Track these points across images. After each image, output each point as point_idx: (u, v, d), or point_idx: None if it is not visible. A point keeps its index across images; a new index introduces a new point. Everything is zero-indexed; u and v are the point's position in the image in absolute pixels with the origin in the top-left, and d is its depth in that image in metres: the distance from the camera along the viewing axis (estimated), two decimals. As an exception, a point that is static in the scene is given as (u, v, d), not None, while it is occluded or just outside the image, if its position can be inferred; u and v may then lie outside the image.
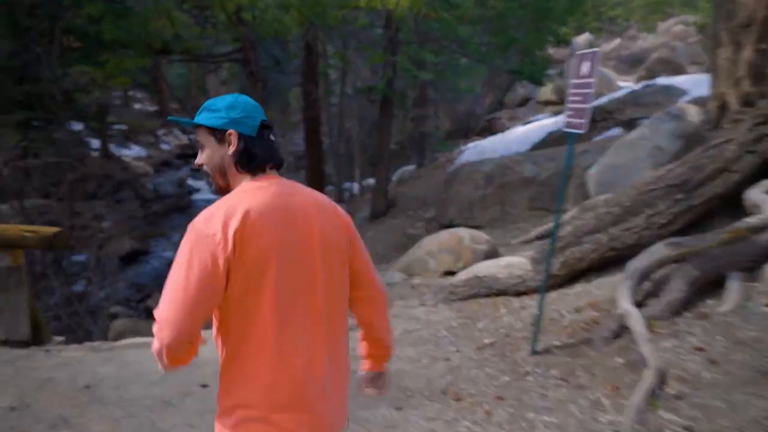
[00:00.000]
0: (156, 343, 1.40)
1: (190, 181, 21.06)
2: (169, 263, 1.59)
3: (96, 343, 5.54)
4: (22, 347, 4.93)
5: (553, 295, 4.71)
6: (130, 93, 27.18)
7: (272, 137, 1.60)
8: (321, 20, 8.98)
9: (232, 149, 1.54)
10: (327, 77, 14.33)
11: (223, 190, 1.59)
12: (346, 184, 15.44)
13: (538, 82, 10.69)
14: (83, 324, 7.55)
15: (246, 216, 1.42)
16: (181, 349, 1.40)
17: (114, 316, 9.19)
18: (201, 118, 1.57)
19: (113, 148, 20.31)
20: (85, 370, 4.40)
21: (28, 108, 11.23)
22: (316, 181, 14.26)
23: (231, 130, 1.54)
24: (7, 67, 11.10)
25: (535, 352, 3.93)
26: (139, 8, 9.43)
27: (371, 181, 14.60)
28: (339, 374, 1.61)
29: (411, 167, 15.44)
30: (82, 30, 9.09)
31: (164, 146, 25.37)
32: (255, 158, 1.54)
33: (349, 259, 1.63)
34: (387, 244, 9.43)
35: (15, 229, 4.74)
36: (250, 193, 1.49)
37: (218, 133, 1.55)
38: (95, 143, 19.13)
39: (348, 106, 14.76)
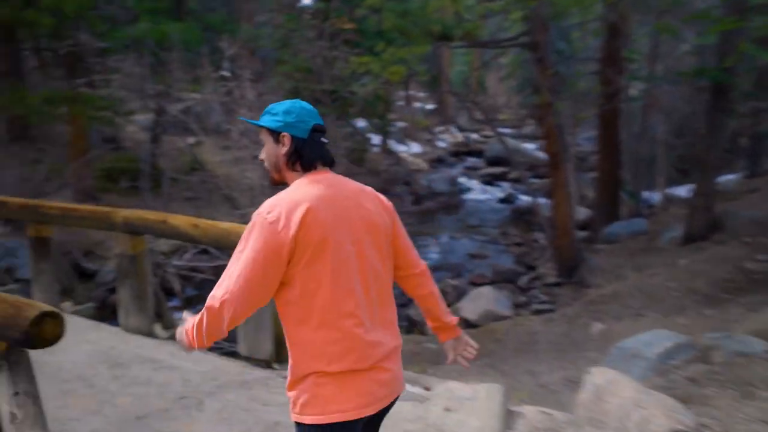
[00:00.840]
0: (207, 315, 1.65)
1: (462, 180, 20.47)
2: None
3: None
4: (263, 367, 4.30)
5: None
6: (411, 92, 27.97)
7: (323, 140, 1.80)
8: (637, -16, 6.94)
9: (284, 150, 1.77)
10: (628, 63, 11.90)
11: (277, 183, 1.84)
12: (645, 193, 12.76)
13: None
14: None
15: (305, 208, 1.62)
16: (234, 324, 1.65)
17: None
18: (263, 120, 1.81)
19: (392, 144, 20.79)
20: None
21: (319, 103, 11.69)
22: (609, 186, 12.00)
23: (285, 133, 1.76)
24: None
25: None
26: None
27: (678, 191, 11.76)
28: (392, 338, 1.79)
29: (735, 176, 12.05)
30: (360, 21, 8.79)
31: (440, 144, 25.43)
32: (303, 158, 1.76)
33: (392, 238, 1.85)
34: (713, 281, 6.94)
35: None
36: (306, 188, 1.69)
37: (275, 135, 1.78)
38: (377, 139, 19.77)
39: (654, 96, 12.10)
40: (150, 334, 4.92)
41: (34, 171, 11.58)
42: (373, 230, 1.76)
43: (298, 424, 1.74)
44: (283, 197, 1.67)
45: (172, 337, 5.30)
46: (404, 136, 23.40)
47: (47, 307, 2.40)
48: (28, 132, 13.50)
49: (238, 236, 3.91)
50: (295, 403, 1.72)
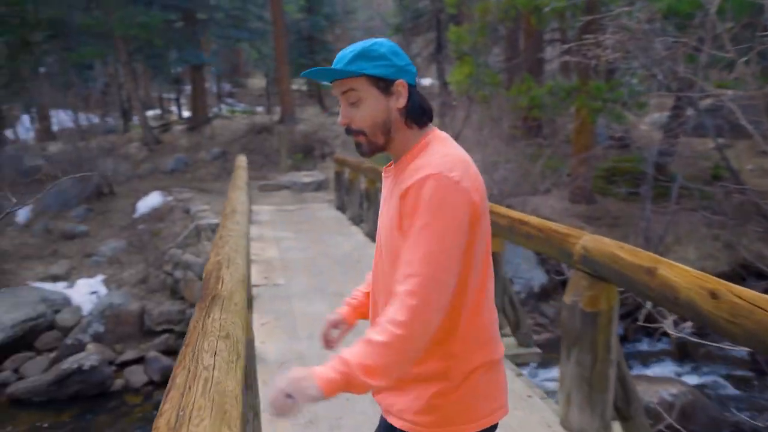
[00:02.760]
0: (421, 315, 1.21)
1: None
2: None
3: None
4: None
5: None
6: None
7: None
8: None
9: (403, 102, 1.36)
10: None
11: (378, 150, 1.40)
12: None
13: None
14: None
15: (475, 169, 1.35)
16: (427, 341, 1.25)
17: None
18: (363, 67, 1.32)
19: None
20: None
21: None
22: None
23: (401, 80, 1.35)
24: None
25: None
26: None
27: None
28: None
29: None
30: None
31: None
32: (426, 110, 1.40)
33: None
34: None
35: None
36: (454, 146, 1.37)
37: (383, 84, 1.34)
38: None
39: None
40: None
41: (533, 166, 11.00)
42: None
43: None
44: (452, 154, 1.32)
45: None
46: None
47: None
48: (540, 126, 13.15)
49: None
50: (448, 410, 1.34)
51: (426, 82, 25.12)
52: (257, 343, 4.36)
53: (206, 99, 19.87)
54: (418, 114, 1.37)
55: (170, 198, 12.82)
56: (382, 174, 1.47)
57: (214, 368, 1.38)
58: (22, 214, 12.69)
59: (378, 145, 1.38)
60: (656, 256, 2.42)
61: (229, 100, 28.99)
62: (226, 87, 33.27)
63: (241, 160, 8.77)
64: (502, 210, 3.78)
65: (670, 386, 6.38)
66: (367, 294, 1.64)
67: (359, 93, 1.34)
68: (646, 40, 5.53)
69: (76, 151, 14.20)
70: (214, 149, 17.09)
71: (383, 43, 1.35)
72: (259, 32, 20.03)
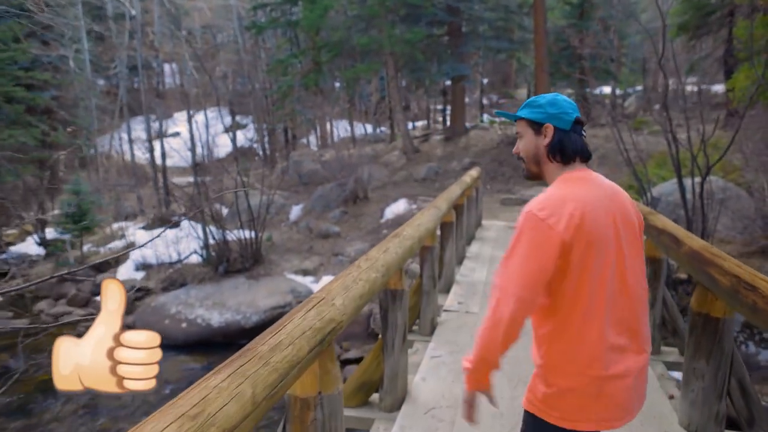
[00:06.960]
0: (493, 316, 1.61)
1: None
2: None
3: None
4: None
5: None
6: None
7: (583, 133, 1.75)
8: None
9: (547, 140, 1.72)
10: None
11: (534, 176, 1.79)
12: None
13: None
14: None
15: (577, 205, 1.57)
16: (518, 325, 1.59)
17: None
18: (524, 112, 1.77)
19: None
20: None
21: None
22: None
23: (548, 124, 1.71)
24: None
25: None
26: None
27: None
28: (641, 352, 1.68)
29: None
30: None
31: None
32: (566, 150, 1.70)
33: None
34: None
35: None
36: (574, 184, 1.65)
37: (536, 126, 1.74)
38: None
39: None
40: None
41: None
42: (627, 232, 1.69)
43: None
44: (552, 195, 1.63)
45: None
46: None
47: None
48: None
49: None
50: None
51: (716, 88, 21.60)
52: (417, 378, 4.08)
53: (464, 110, 20.24)
54: (558, 151, 1.69)
55: (414, 206, 13.32)
56: None
57: None
58: (294, 213, 14.58)
59: (532, 172, 1.78)
60: None
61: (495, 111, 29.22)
62: (494, 98, 33.57)
63: (471, 173, 8.56)
64: (730, 265, 2.80)
65: None
66: None
67: (522, 131, 1.78)
68: None
69: (342, 159, 15.77)
70: (465, 159, 17.28)
71: (545, 96, 1.74)
72: (520, 42, 19.61)
